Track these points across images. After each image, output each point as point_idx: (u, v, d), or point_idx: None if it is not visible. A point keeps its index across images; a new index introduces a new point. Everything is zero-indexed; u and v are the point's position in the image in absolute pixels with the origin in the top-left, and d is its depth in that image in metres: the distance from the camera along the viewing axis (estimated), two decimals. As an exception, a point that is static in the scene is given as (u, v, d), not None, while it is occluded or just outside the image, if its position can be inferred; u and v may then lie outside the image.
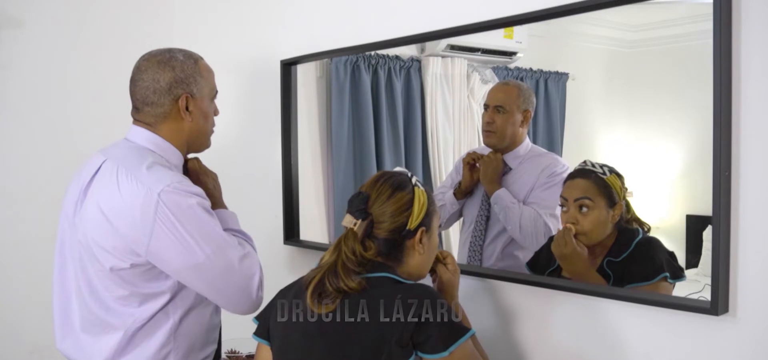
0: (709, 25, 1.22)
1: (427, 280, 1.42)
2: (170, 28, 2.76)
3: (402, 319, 1.18)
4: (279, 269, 2.37)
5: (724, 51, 1.21)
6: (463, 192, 1.84)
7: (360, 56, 2.05)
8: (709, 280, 1.26)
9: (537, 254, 1.65)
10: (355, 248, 1.27)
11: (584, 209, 1.48)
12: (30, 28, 2.39)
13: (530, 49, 1.78)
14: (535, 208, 1.68)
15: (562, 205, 1.53)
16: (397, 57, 2.04)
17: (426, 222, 1.33)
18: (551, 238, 1.58)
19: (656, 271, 1.41)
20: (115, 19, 2.58)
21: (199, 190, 1.47)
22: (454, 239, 1.96)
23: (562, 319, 1.54)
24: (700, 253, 1.42)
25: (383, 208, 1.30)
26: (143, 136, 1.51)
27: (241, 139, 2.51)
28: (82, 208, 1.48)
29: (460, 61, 1.92)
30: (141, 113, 1.52)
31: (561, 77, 1.79)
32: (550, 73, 1.80)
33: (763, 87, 1.20)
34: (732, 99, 1.23)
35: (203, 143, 1.64)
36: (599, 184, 1.47)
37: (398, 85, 2.05)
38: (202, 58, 1.59)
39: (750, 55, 1.21)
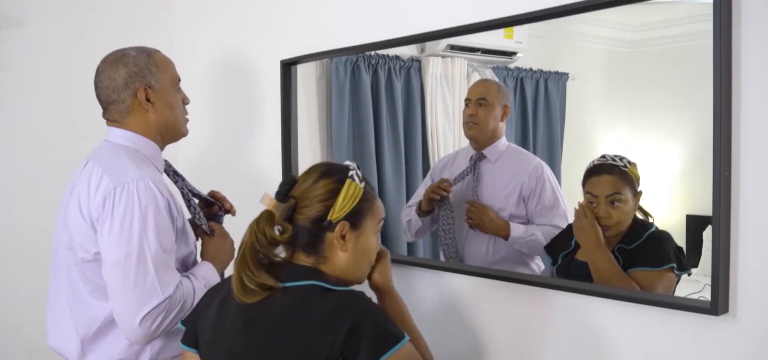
0: (709, 25, 1.22)
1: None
2: (171, 28, 2.76)
3: (331, 333, 1.12)
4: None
5: (724, 51, 1.21)
6: (425, 212, 1.88)
7: (360, 56, 2.05)
8: (709, 280, 1.26)
9: (555, 238, 1.66)
10: (266, 230, 1.19)
11: (616, 204, 1.49)
12: (30, 28, 2.39)
13: (530, 49, 1.78)
14: (550, 224, 1.70)
15: (590, 201, 1.52)
16: (397, 57, 2.04)
17: (353, 219, 1.24)
18: (570, 226, 1.59)
19: (664, 259, 1.43)
20: (115, 20, 2.58)
21: (158, 194, 1.46)
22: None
23: (560, 319, 1.54)
24: (700, 253, 1.42)
25: (306, 192, 1.23)
26: (117, 134, 1.58)
27: (241, 139, 2.51)
28: (67, 210, 1.54)
29: (460, 61, 1.92)
30: (108, 112, 1.59)
31: (561, 77, 1.79)
32: (550, 73, 1.80)
33: (763, 87, 1.20)
34: (732, 99, 1.23)
35: (177, 131, 1.66)
36: (625, 178, 1.48)
37: (398, 85, 2.05)
38: (157, 51, 1.63)
39: (750, 55, 1.21)
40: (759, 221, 1.22)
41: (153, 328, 1.43)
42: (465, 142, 1.87)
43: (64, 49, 2.46)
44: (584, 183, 1.53)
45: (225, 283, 1.33)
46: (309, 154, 2.23)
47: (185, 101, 1.68)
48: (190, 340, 1.32)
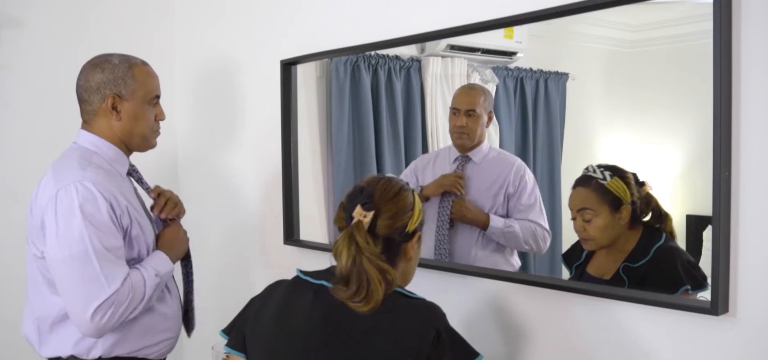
0: (709, 25, 1.22)
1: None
2: (171, 28, 2.77)
3: (419, 337, 1.17)
4: (279, 269, 2.37)
5: (724, 51, 1.21)
6: (423, 198, 1.89)
7: (360, 56, 2.05)
8: (709, 280, 1.26)
9: (573, 247, 1.63)
10: (368, 238, 1.23)
11: (587, 219, 1.49)
12: (30, 28, 2.39)
13: (530, 49, 1.78)
14: (528, 220, 1.75)
15: (572, 217, 1.54)
16: (397, 57, 2.04)
17: (420, 228, 1.32)
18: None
19: (677, 283, 1.38)
20: (115, 20, 2.59)
21: (98, 194, 1.48)
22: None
23: (559, 319, 1.54)
24: (700, 253, 1.41)
25: (390, 205, 1.27)
26: (83, 136, 1.64)
27: (241, 139, 2.51)
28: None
29: (460, 61, 1.92)
30: (81, 112, 1.65)
31: (561, 77, 1.79)
32: (550, 73, 1.80)
33: (763, 87, 1.20)
34: (732, 99, 1.23)
35: (139, 144, 1.69)
36: (599, 191, 1.47)
37: (398, 85, 2.05)
38: (141, 64, 1.66)
39: (750, 55, 1.21)
40: (759, 221, 1.22)
41: (104, 322, 1.48)
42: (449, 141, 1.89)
43: (64, 49, 2.46)
44: None
45: (278, 286, 1.36)
46: (309, 154, 2.23)
47: (159, 117, 1.70)
48: (237, 344, 1.35)
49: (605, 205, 1.47)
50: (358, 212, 1.26)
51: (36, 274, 1.60)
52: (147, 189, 1.77)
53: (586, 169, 1.50)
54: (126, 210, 1.55)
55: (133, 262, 1.60)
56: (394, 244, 1.29)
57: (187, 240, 1.80)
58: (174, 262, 1.69)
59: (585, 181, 1.50)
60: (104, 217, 1.49)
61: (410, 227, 1.29)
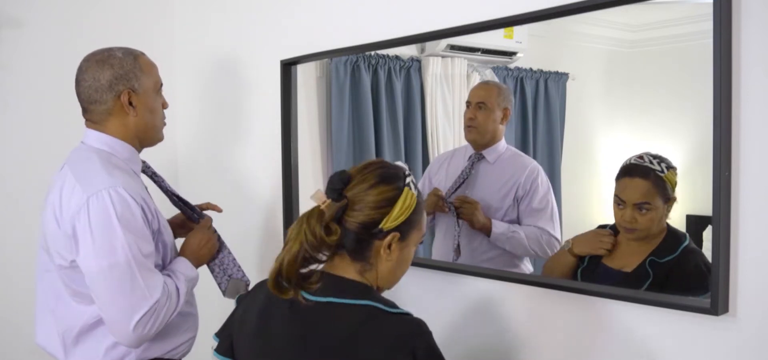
0: (709, 25, 1.22)
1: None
2: (171, 28, 2.76)
3: (392, 357, 1.09)
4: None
5: (724, 51, 1.21)
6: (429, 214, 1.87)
7: (360, 56, 2.05)
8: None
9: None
10: (315, 229, 1.12)
11: (644, 211, 1.44)
12: (30, 28, 2.39)
13: (530, 49, 1.78)
14: (535, 226, 1.72)
15: (618, 204, 1.48)
16: (397, 57, 2.04)
17: (403, 229, 1.19)
18: (601, 227, 1.55)
19: (702, 286, 1.33)
20: (115, 20, 2.59)
21: (131, 200, 1.45)
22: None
23: (560, 319, 1.54)
24: (700, 254, 1.41)
25: (362, 196, 1.16)
26: (94, 137, 1.58)
27: (241, 139, 2.51)
28: (44, 213, 1.55)
29: (460, 61, 1.92)
30: (88, 113, 1.59)
31: (561, 77, 1.79)
32: (550, 73, 1.80)
33: (763, 87, 1.20)
34: (732, 99, 1.23)
35: (153, 137, 1.66)
36: (658, 184, 1.42)
37: (398, 85, 2.05)
38: (143, 54, 1.63)
39: (750, 55, 1.21)
40: (759, 221, 1.22)
41: (145, 331, 1.45)
42: (464, 143, 1.87)
43: (64, 49, 2.46)
44: (617, 180, 1.47)
45: (262, 287, 1.27)
46: (309, 154, 2.23)
47: (165, 106, 1.68)
48: (226, 349, 1.29)
49: (660, 198, 1.43)
50: (318, 197, 1.16)
51: (58, 284, 1.54)
52: (172, 198, 1.75)
53: (641, 158, 1.43)
54: (155, 213, 1.53)
55: (164, 259, 1.58)
56: (364, 240, 1.17)
57: (213, 246, 1.76)
58: (195, 267, 1.66)
59: (644, 172, 1.43)
60: (139, 223, 1.46)
61: (385, 225, 1.16)
